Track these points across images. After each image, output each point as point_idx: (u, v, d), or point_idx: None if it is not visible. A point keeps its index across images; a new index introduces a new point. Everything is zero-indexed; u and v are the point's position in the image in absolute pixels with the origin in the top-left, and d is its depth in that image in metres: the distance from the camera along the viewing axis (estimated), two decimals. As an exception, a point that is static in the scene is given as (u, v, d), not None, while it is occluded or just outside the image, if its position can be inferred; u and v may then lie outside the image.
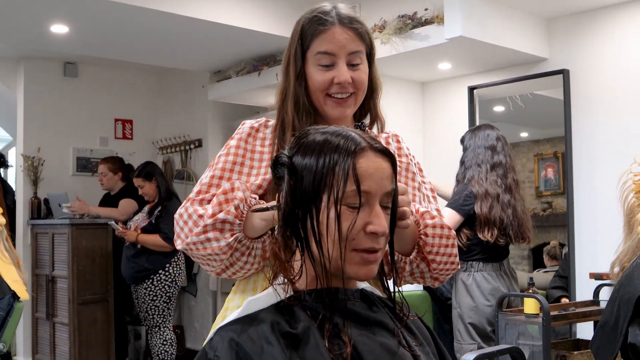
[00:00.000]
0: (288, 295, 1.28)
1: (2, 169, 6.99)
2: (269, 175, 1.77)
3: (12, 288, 3.25)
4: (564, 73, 4.99)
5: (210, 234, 1.65)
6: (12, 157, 8.07)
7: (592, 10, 4.89)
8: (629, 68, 4.71)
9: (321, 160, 1.26)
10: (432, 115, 5.95)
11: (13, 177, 7.33)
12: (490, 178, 3.90)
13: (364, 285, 1.41)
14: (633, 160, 2.41)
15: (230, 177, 1.79)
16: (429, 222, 1.72)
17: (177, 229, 1.74)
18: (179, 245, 1.73)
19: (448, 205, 3.95)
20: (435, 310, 4.56)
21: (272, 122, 1.89)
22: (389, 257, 1.39)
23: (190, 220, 1.70)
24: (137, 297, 5.71)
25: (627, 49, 4.73)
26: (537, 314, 3.57)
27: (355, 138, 1.28)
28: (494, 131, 4.05)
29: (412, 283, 1.82)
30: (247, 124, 1.88)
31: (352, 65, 1.77)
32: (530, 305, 3.61)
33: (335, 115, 1.78)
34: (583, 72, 4.95)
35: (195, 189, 1.79)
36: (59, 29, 5.15)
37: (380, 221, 1.26)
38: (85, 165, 7.07)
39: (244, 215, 1.64)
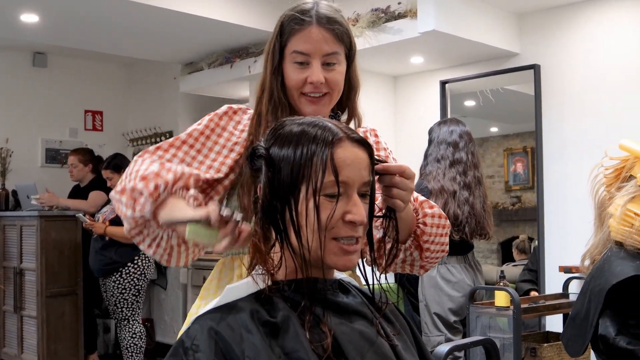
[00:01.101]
0: (267, 284, 1.28)
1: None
2: (230, 160, 1.78)
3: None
4: (535, 68, 5.03)
5: (124, 198, 1.64)
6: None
7: (563, 6, 4.93)
8: (599, 63, 4.76)
9: (299, 151, 1.26)
10: (404, 109, 5.97)
11: (-20, 168, 7.23)
12: (448, 175, 3.89)
13: (342, 275, 1.41)
14: (604, 154, 2.43)
15: (193, 145, 1.78)
16: (429, 211, 1.74)
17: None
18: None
19: None
20: (406, 302, 4.58)
21: (251, 111, 1.88)
22: (369, 246, 1.39)
23: (126, 174, 1.70)
24: (106, 290, 5.66)
25: (598, 44, 4.77)
26: (508, 307, 3.60)
27: (332, 128, 1.28)
28: (459, 127, 4.02)
29: (401, 271, 1.83)
30: (228, 106, 1.89)
31: (327, 65, 1.77)
32: (501, 298, 3.64)
33: (309, 113, 1.76)
34: (554, 68, 4.99)
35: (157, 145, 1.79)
36: (29, 17, 5.09)
37: (359, 210, 1.26)
38: (54, 156, 6.99)
39: (159, 198, 1.60)
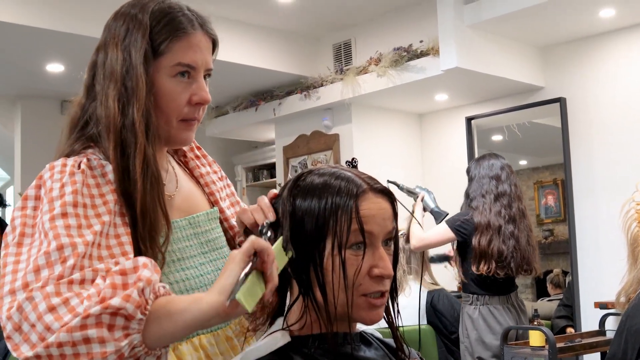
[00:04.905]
0: (287, 342, 1.24)
1: (0, 208, 6.96)
2: (126, 238, 1.24)
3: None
4: (561, 101, 4.99)
5: (93, 331, 1.05)
6: (10, 196, 8.04)
7: (585, 38, 4.90)
8: (625, 95, 4.71)
9: (322, 204, 1.22)
10: (431, 146, 5.94)
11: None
12: (494, 209, 3.85)
13: (363, 327, 1.37)
14: (635, 188, 2.38)
15: (98, 251, 1.17)
16: None
17: (12, 330, 1.08)
18: (23, 353, 1.07)
19: (445, 222, 3.94)
20: (440, 344, 4.51)
21: (95, 158, 1.33)
22: (390, 297, 1.35)
23: (47, 313, 1.07)
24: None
25: (623, 75, 4.73)
26: (543, 347, 3.52)
27: (355, 180, 1.24)
28: (499, 160, 3.99)
29: None
30: (68, 165, 1.29)
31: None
32: (536, 338, 3.56)
33: (184, 141, 1.42)
34: (579, 100, 4.94)
35: (39, 268, 1.12)
36: (55, 67, 5.17)
37: (386, 264, 1.22)
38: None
39: (148, 308, 1.10)
